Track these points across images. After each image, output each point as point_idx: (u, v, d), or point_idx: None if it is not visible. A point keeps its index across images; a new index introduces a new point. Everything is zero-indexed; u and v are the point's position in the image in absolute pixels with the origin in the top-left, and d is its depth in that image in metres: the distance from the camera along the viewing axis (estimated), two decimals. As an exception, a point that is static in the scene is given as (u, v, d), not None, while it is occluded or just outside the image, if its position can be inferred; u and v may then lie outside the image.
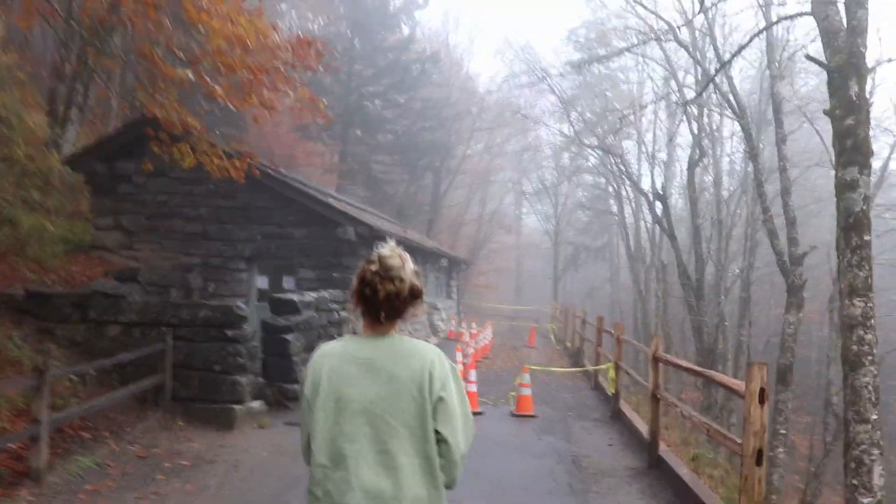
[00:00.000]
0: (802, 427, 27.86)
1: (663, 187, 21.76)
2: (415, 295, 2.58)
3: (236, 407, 9.26)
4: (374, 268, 2.58)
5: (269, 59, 10.71)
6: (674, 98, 19.94)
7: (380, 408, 2.44)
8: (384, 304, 2.53)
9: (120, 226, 15.69)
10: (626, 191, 32.87)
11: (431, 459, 2.45)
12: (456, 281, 30.35)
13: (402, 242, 14.73)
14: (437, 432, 2.46)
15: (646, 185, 30.25)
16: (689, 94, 22.01)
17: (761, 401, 4.93)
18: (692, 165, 21.22)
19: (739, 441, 5.20)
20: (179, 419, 9.09)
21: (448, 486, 2.53)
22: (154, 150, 12.24)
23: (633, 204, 33.68)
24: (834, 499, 19.44)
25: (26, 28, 14.90)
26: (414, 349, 2.53)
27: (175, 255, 15.48)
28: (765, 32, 14.59)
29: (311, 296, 12.28)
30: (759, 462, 4.91)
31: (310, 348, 11.78)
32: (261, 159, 13.81)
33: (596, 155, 29.16)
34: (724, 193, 25.44)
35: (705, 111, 21.70)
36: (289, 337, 11.02)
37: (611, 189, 35.38)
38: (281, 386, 11.03)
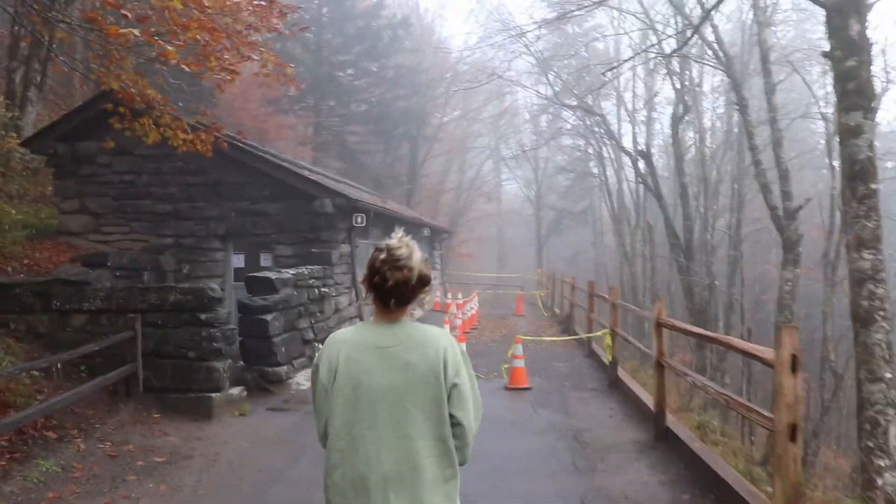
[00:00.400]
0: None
1: (647, 145, 21.17)
2: (423, 282, 2.63)
3: (214, 395, 8.67)
4: (382, 256, 2.61)
5: (230, 22, 10.02)
6: (653, 53, 19.27)
7: (397, 394, 2.51)
8: (394, 292, 2.58)
9: (86, 208, 14.96)
10: (609, 152, 32.26)
11: (447, 441, 2.54)
12: (439, 251, 29.78)
13: (380, 213, 14.12)
14: (451, 416, 2.55)
15: (627, 144, 29.78)
16: (669, 48, 21.37)
17: (793, 369, 4.41)
18: (676, 121, 20.68)
19: (769, 415, 4.70)
20: (154, 411, 8.50)
21: (461, 464, 2.63)
22: (115, 127, 11.53)
23: (615, 164, 33.07)
24: (834, 459, 19.23)
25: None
26: (427, 337, 2.60)
27: (146, 237, 14.80)
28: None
29: (288, 273, 11.67)
30: (793, 438, 4.40)
31: (290, 328, 11.22)
32: (228, 132, 13.09)
33: (576, 116, 28.41)
34: (707, 151, 24.90)
35: (688, 65, 21.09)
36: (267, 317, 10.43)
37: (591, 151, 34.76)
38: (261, 369, 10.46)
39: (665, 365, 7.84)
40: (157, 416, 8.41)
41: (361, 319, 15.57)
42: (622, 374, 11.20)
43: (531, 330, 19.23)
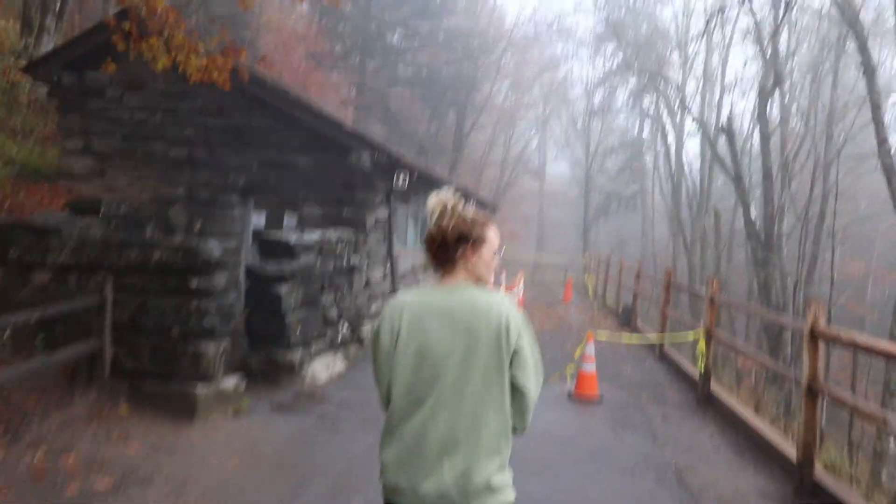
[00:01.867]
0: None
1: (729, 119, 18.71)
2: (463, 239, 2.55)
3: (199, 388, 6.63)
4: (431, 218, 2.59)
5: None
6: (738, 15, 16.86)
7: (458, 359, 2.46)
8: (430, 249, 2.62)
9: (91, 149, 13.03)
10: (672, 129, 29.52)
11: (505, 408, 2.48)
12: (482, 227, 27.58)
13: (424, 176, 11.96)
14: (512, 382, 2.48)
15: (690, 122, 27.15)
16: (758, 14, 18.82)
17: None
18: (764, 96, 18.18)
19: None
20: (121, 403, 6.49)
21: (519, 431, 2.56)
22: (118, 48, 9.57)
23: (676, 144, 30.33)
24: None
25: None
26: (490, 302, 2.51)
27: (156, 185, 12.84)
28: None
29: (312, 236, 9.60)
30: None
31: (310, 304, 9.17)
32: (250, 61, 10.97)
33: (642, 86, 25.88)
34: (797, 129, 22.24)
35: (781, 30, 18.55)
36: (281, 289, 8.39)
37: (649, 129, 32.12)
38: (270, 353, 8.43)
39: (823, 394, 5.61)
40: (123, 410, 6.40)
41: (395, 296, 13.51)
42: (717, 388, 8.99)
43: (584, 321, 17.05)
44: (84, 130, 12.98)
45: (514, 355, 2.47)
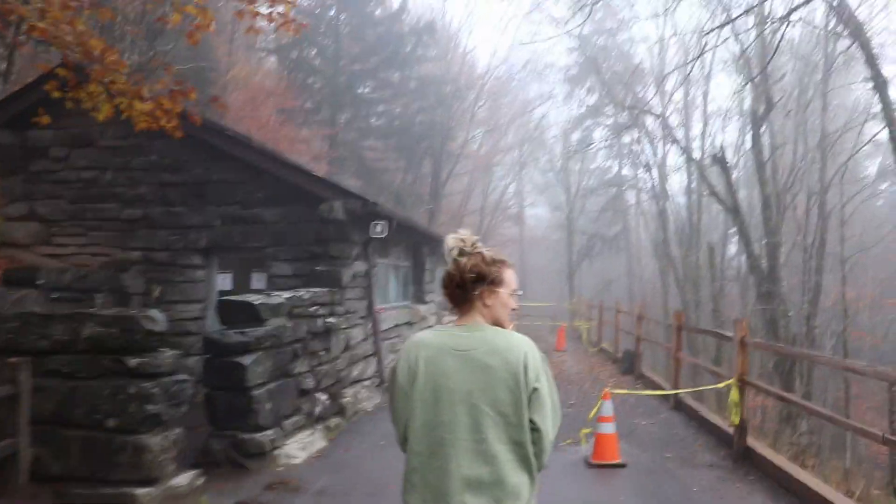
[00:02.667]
0: None
1: (722, 149, 17.84)
2: (481, 279, 2.54)
3: (141, 491, 5.39)
4: (448, 258, 2.56)
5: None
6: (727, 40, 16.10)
7: (477, 398, 2.43)
8: (448, 289, 2.58)
9: (35, 214, 11.90)
10: (655, 162, 28.58)
11: (525, 447, 2.43)
12: (466, 276, 26.46)
13: (404, 224, 10.92)
14: (530, 421, 2.43)
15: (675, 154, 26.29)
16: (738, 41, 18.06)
17: None
18: (756, 121, 17.34)
19: None
20: (44, 517, 5.23)
21: (538, 470, 2.50)
22: (53, 96, 8.53)
23: (657, 179, 29.38)
24: None
25: None
26: (509, 341, 2.50)
27: (108, 251, 11.67)
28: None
29: (280, 297, 8.45)
30: None
31: (280, 374, 7.96)
32: (199, 104, 9.85)
33: (623, 120, 25.06)
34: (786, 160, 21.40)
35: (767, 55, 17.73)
36: (245, 360, 7.18)
37: (634, 164, 31.24)
38: (235, 436, 7.19)
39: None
40: (45, 526, 5.15)
41: (379, 358, 12.28)
42: (756, 444, 7.83)
43: (584, 371, 15.88)
44: (27, 194, 11.86)
45: (533, 393, 2.44)
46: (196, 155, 11.59)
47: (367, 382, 11.31)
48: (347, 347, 10.68)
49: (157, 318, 5.78)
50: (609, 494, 6.73)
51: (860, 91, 20.12)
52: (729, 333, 8.74)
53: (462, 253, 2.55)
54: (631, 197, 44.76)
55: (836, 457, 14.90)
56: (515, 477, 2.42)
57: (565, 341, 21.37)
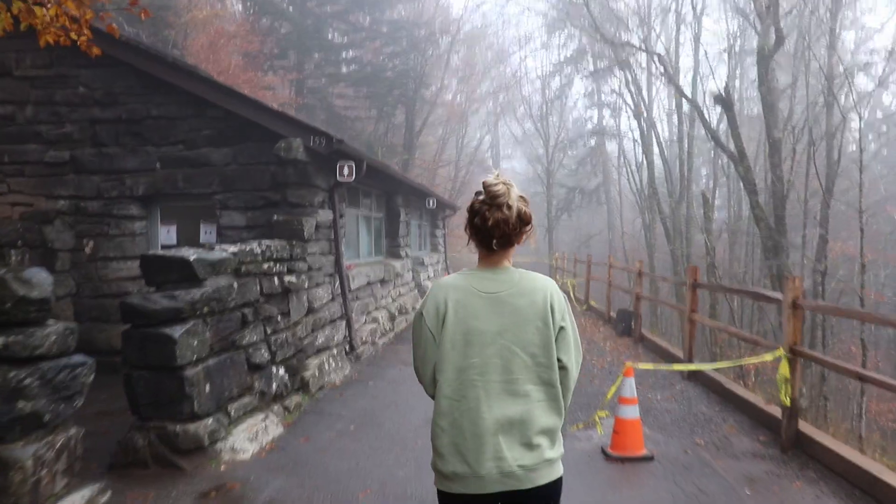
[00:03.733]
0: None
1: (727, 88, 16.14)
2: (524, 221, 2.54)
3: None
4: (481, 197, 2.51)
5: None
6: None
7: (507, 340, 2.46)
8: (494, 232, 2.49)
9: (-57, 157, 10.12)
10: (644, 107, 26.94)
11: (555, 386, 2.48)
12: (443, 230, 24.98)
13: (376, 168, 8.97)
14: (558, 360, 2.49)
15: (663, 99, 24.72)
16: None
17: None
18: (764, 57, 15.72)
19: None
20: None
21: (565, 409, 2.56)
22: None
23: (644, 127, 27.75)
24: None
25: None
26: (534, 282, 2.54)
27: (31, 199, 9.97)
28: None
29: (225, 251, 6.84)
30: None
31: (224, 347, 6.41)
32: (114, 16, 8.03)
33: (601, 67, 23.39)
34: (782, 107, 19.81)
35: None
36: (175, 331, 5.61)
37: (615, 111, 29.65)
38: (164, 429, 5.65)
39: None
40: None
41: (349, 322, 10.75)
42: (810, 429, 6.43)
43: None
44: (-67, 134, 10.08)
45: (560, 332, 2.50)
46: (131, 86, 9.87)
47: (334, 351, 9.79)
48: (311, 310, 9.13)
49: (36, 280, 4.17)
50: (640, 502, 5.28)
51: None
52: (774, 294, 7.26)
53: (509, 194, 2.49)
54: (612, 148, 43.36)
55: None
56: (546, 416, 2.47)
57: (550, 299, 19.95)
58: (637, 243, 37.86)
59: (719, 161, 28.73)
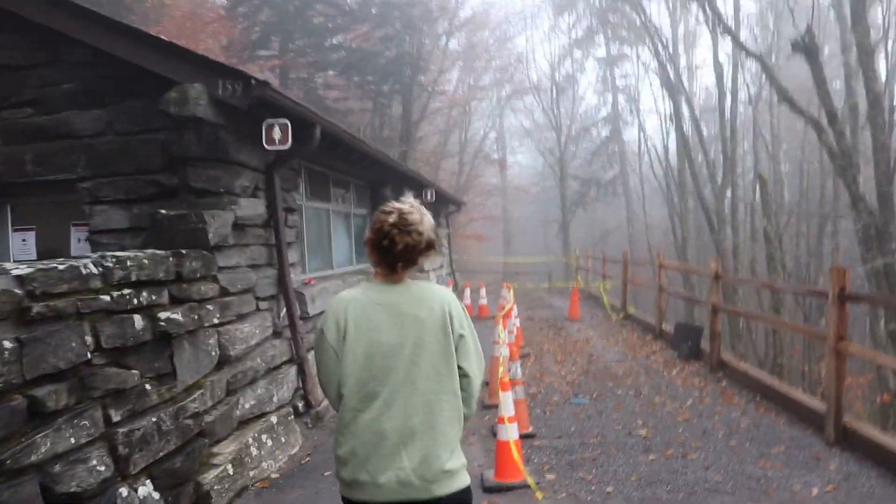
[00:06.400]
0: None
1: (809, 31, 12.58)
2: (430, 246, 2.60)
3: None
4: (392, 220, 2.54)
5: None
6: None
7: (408, 350, 2.47)
8: (401, 256, 2.54)
9: None
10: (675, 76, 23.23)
11: (458, 395, 2.52)
12: (447, 230, 21.54)
13: (336, 137, 6.01)
14: (459, 367, 2.53)
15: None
16: None
17: None
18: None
19: None
20: None
21: (467, 417, 2.60)
22: None
23: (677, 101, 23.99)
24: None
25: None
26: (431, 292, 2.60)
27: None
28: None
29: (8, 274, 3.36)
30: None
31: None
32: None
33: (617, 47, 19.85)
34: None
35: None
36: None
37: (632, 95, 26.03)
38: None
39: None
40: None
41: (301, 367, 7.21)
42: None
43: (625, 355, 10.96)
44: None
45: (460, 340, 2.55)
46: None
47: (273, 418, 6.27)
48: (225, 361, 5.63)
49: None
50: None
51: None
52: None
53: (422, 221, 2.55)
54: (629, 137, 39.89)
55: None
56: (448, 425, 2.49)
57: (579, 308, 16.39)
58: (666, 237, 34.26)
59: (761, 139, 25.22)
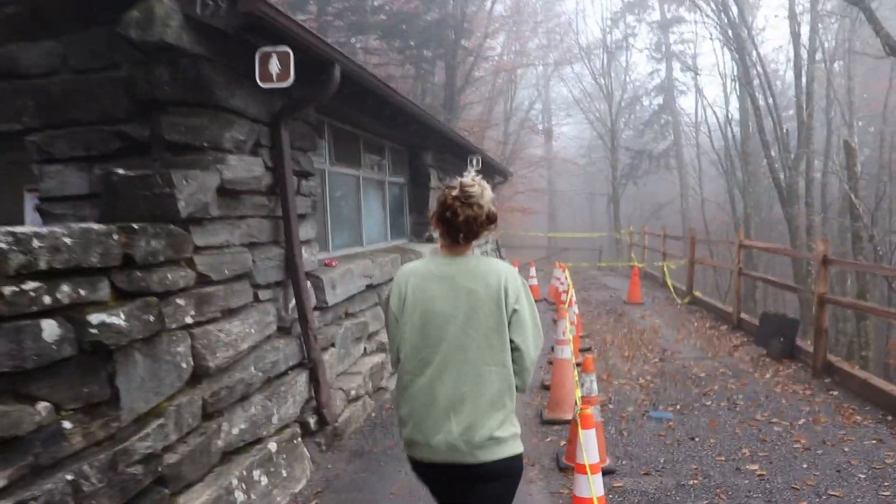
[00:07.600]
0: None
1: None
2: (491, 220, 2.64)
3: None
4: (454, 193, 2.60)
5: None
6: None
7: (461, 321, 2.53)
8: (463, 227, 2.60)
9: None
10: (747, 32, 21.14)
11: (507, 367, 2.55)
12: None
13: (401, 110, 4.64)
14: (511, 341, 2.56)
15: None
16: None
17: None
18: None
19: None
20: None
21: (520, 390, 2.63)
22: None
23: (745, 60, 21.80)
24: None
25: None
26: (490, 267, 2.63)
27: None
28: None
29: None
30: None
31: None
32: None
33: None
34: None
35: None
36: None
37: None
38: None
39: None
40: None
41: (314, 373, 5.72)
42: None
43: (703, 351, 9.37)
44: None
45: (514, 314, 2.56)
46: None
47: (272, 444, 4.83)
48: (202, 374, 4.18)
49: None
50: None
51: None
52: None
53: (483, 194, 2.59)
54: (684, 105, 37.68)
55: None
56: (496, 395, 2.52)
57: (640, 290, 14.73)
58: (718, 214, 32.27)
59: (833, 109, 23.11)
